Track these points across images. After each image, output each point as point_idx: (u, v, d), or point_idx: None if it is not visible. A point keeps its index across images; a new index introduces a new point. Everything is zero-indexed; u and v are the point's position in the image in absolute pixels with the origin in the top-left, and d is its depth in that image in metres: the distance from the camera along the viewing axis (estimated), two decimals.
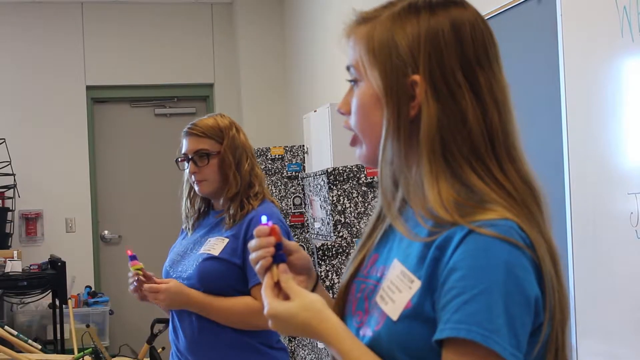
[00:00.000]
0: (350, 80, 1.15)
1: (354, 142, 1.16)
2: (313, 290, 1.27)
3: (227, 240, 2.25)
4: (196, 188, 2.36)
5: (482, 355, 0.95)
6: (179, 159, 2.39)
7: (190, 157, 2.33)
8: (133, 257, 2.27)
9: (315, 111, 4.51)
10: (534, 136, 2.45)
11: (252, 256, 1.16)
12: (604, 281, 2.19)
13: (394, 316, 1.04)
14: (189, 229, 2.45)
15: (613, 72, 2.15)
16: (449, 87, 1.06)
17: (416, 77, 1.07)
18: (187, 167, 2.36)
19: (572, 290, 2.29)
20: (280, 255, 1.16)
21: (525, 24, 2.60)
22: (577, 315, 2.27)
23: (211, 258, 2.24)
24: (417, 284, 1.03)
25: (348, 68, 1.15)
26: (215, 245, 2.27)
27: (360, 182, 3.52)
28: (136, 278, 2.24)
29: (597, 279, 2.22)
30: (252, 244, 1.17)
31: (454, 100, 1.06)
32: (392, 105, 1.08)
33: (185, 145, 2.36)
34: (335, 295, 1.23)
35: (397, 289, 1.05)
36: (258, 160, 4.96)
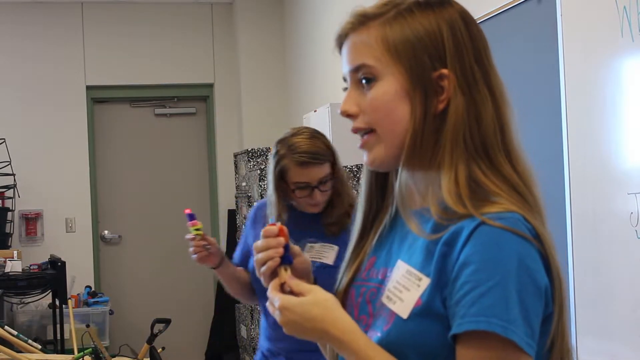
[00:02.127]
0: (363, 79, 1.10)
1: (367, 144, 1.12)
2: None
3: (337, 247, 2.20)
4: (310, 209, 2.27)
5: (499, 346, 0.96)
6: (295, 188, 2.24)
7: (314, 185, 2.22)
8: (191, 217, 2.15)
9: (315, 111, 4.50)
10: (534, 136, 2.45)
11: (259, 256, 1.14)
12: (604, 281, 2.19)
13: (404, 314, 1.04)
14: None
15: (613, 72, 2.15)
16: (469, 80, 1.07)
17: (445, 71, 1.07)
18: (299, 195, 2.24)
19: (572, 290, 2.29)
20: (287, 257, 1.14)
21: (525, 24, 2.60)
22: (577, 315, 2.27)
23: (326, 267, 2.17)
24: (425, 282, 1.03)
25: (357, 69, 1.10)
26: (325, 253, 2.21)
27: (360, 181, 3.51)
28: (196, 241, 2.16)
29: (597, 279, 2.22)
30: (258, 244, 1.15)
31: (472, 93, 1.07)
32: (420, 100, 1.07)
33: (304, 175, 2.22)
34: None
35: (405, 288, 1.05)
36: (258, 160, 4.97)
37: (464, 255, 0.99)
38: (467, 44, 1.08)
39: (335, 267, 2.09)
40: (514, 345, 0.96)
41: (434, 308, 1.02)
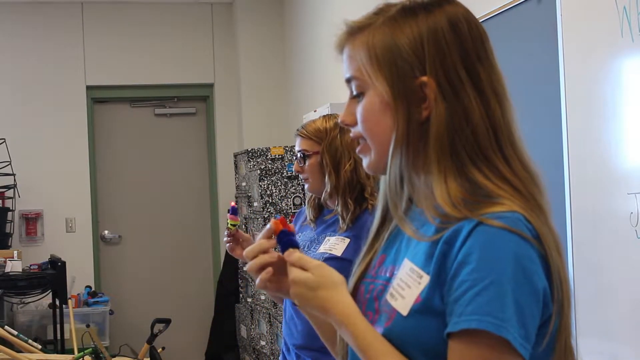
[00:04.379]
0: (354, 91, 1.13)
1: (363, 151, 1.15)
2: None
3: (348, 240, 2.25)
4: (305, 186, 2.46)
5: (492, 344, 0.96)
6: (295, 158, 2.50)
7: (297, 157, 2.42)
8: (233, 210, 2.31)
9: (315, 111, 4.50)
10: (534, 136, 2.45)
11: (251, 266, 1.15)
12: (604, 281, 2.19)
13: (404, 311, 1.05)
14: (312, 224, 2.46)
15: (613, 72, 2.15)
16: (453, 85, 1.07)
17: (425, 79, 1.07)
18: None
19: (572, 290, 2.29)
20: (291, 241, 1.14)
21: (525, 24, 2.60)
22: (577, 315, 2.27)
23: (333, 258, 2.23)
24: (425, 279, 1.04)
25: (348, 80, 1.14)
26: (336, 245, 2.27)
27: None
28: (228, 233, 2.35)
29: (597, 279, 2.22)
30: (249, 250, 1.15)
31: (458, 98, 1.07)
32: (402, 110, 1.08)
33: (296, 145, 2.46)
34: None
35: (407, 285, 1.06)
36: (258, 160, 4.97)
37: (462, 254, 1.00)
38: (452, 48, 1.07)
39: (342, 258, 2.21)
40: (507, 344, 0.95)
41: (433, 305, 1.02)
